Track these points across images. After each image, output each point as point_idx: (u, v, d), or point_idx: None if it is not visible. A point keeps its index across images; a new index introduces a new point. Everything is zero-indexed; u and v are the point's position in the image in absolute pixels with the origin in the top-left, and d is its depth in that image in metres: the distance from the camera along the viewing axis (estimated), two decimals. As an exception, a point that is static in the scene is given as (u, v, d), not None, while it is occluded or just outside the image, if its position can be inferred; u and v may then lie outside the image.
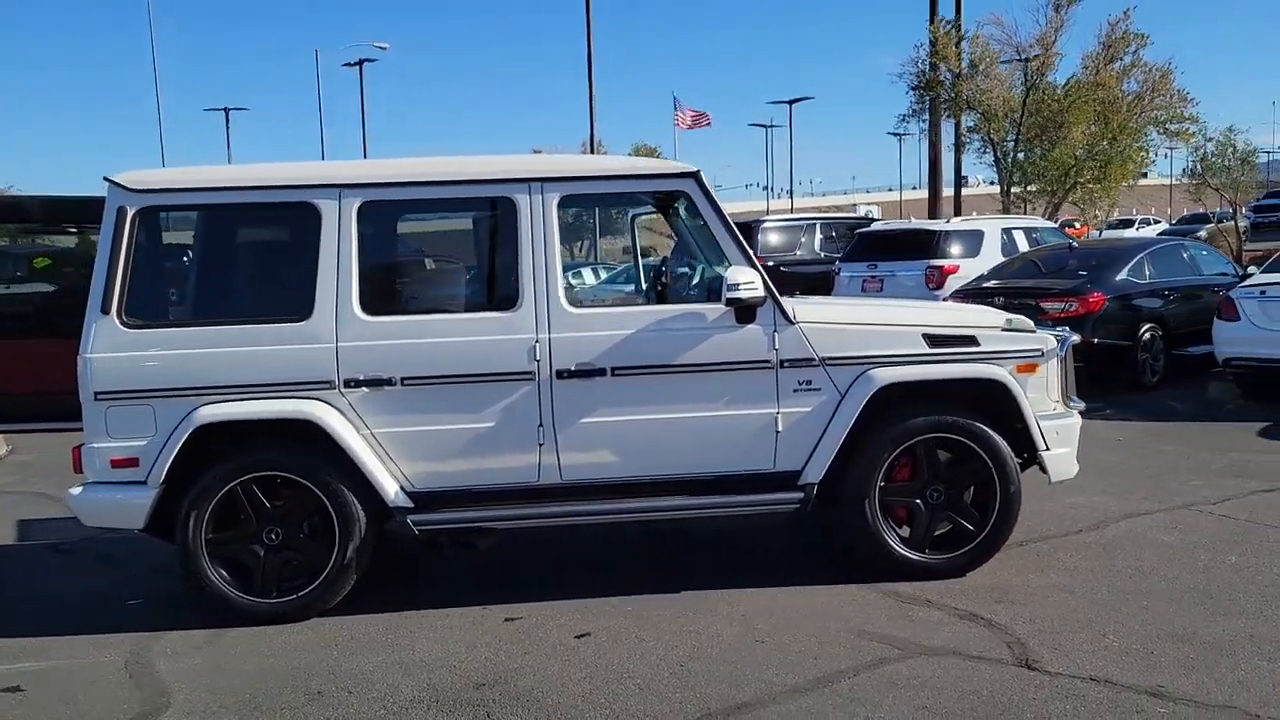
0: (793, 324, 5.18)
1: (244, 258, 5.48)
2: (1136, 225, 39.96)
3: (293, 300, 5.05)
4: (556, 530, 5.82)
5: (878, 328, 5.32)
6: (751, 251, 5.22)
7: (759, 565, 5.67)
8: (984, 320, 5.55)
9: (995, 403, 5.31)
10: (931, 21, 22.88)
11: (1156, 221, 45.65)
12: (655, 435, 5.15)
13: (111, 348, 4.93)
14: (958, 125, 23.78)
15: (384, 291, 5.20)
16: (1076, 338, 5.78)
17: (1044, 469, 5.41)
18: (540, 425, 5.09)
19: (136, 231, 4.98)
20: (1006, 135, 22.94)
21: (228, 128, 56.65)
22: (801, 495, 5.18)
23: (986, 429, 5.25)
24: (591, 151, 33.50)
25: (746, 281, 5.03)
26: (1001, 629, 4.60)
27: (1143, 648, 4.33)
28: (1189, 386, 11.38)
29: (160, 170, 5.44)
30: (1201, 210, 43.42)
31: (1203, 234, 30.55)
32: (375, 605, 5.16)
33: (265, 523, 5.03)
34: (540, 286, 5.08)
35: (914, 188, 76.55)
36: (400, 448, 5.04)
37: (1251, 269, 13.27)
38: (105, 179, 5.08)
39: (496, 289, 5.22)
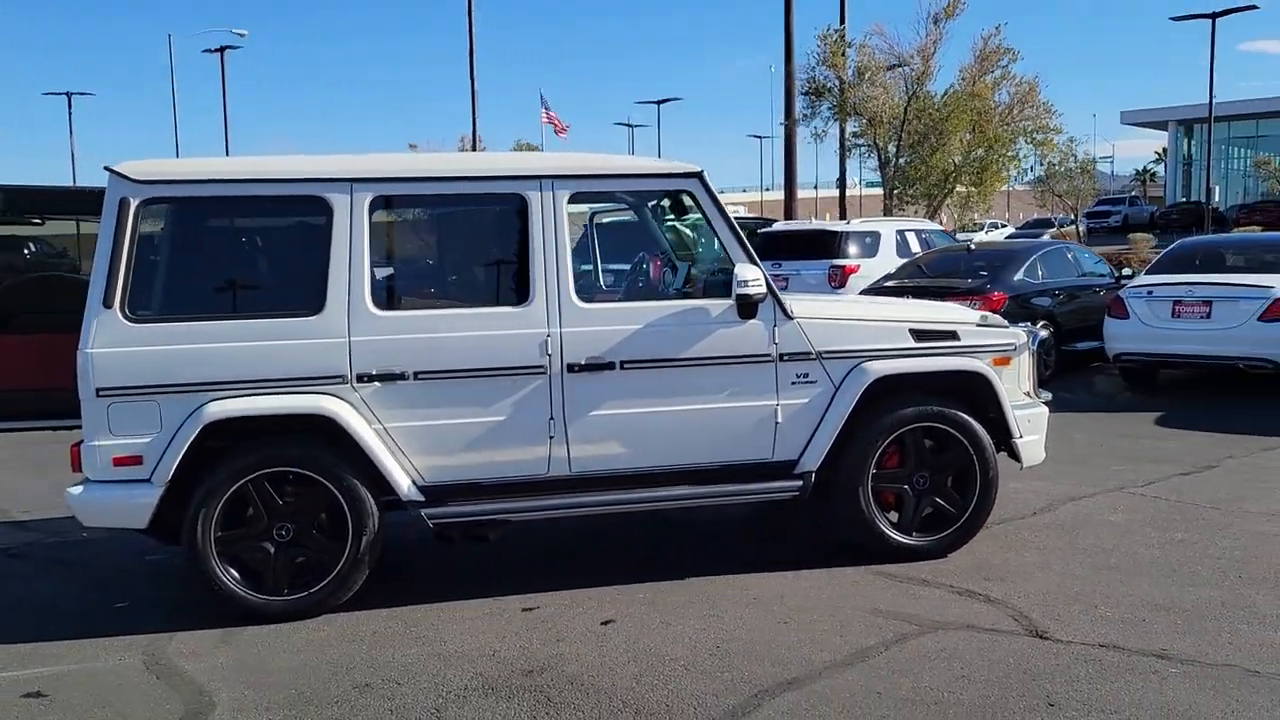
0: (791, 319, 5.40)
1: (252, 251, 5.37)
2: (986, 229, 41.95)
3: (304, 295, 5.01)
4: (550, 521, 5.89)
5: (869, 323, 5.60)
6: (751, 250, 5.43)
7: (750, 554, 5.87)
8: (963, 317, 5.90)
9: (975, 393, 5.66)
10: (786, 25, 23.43)
11: (1003, 225, 48.00)
12: (661, 427, 5.30)
13: (114, 342, 4.79)
14: (842, 130, 24.68)
15: (396, 286, 5.20)
16: (1045, 333, 6.19)
17: (1015, 455, 5.79)
18: (551, 418, 5.18)
19: (139, 224, 4.85)
20: (889, 141, 23.94)
21: (70, 113, 53.79)
22: (801, 483, 5.42)
23: (968, 418, 5.59)
24: (474, 148, 33.26)
25: (754, 278, 5.23)
26: (1001, 604, 4.93)
27: (1134, 616, 4.72)
28: (1077, 380, 12.17)
29: (165, 160, 5.26)
30: (1044, 215, 46.08)
31: (1046, 237, 32.50)
32: (383, 600, 5.15)
33: (276, 519, 4.96)
34: (552, 281, 5.16)
35: (768, 189, 78.52)
36: (412, 441, 5.05)
37: (1127, 270, 14.26)
38: (106, 169, 4.93)
39: (508, 284, 5.27)
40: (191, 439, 4.78)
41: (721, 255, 5.41)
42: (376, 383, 5.00)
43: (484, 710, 3.96)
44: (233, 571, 4.91)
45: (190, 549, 4.86)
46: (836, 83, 23.25)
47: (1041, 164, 32.95)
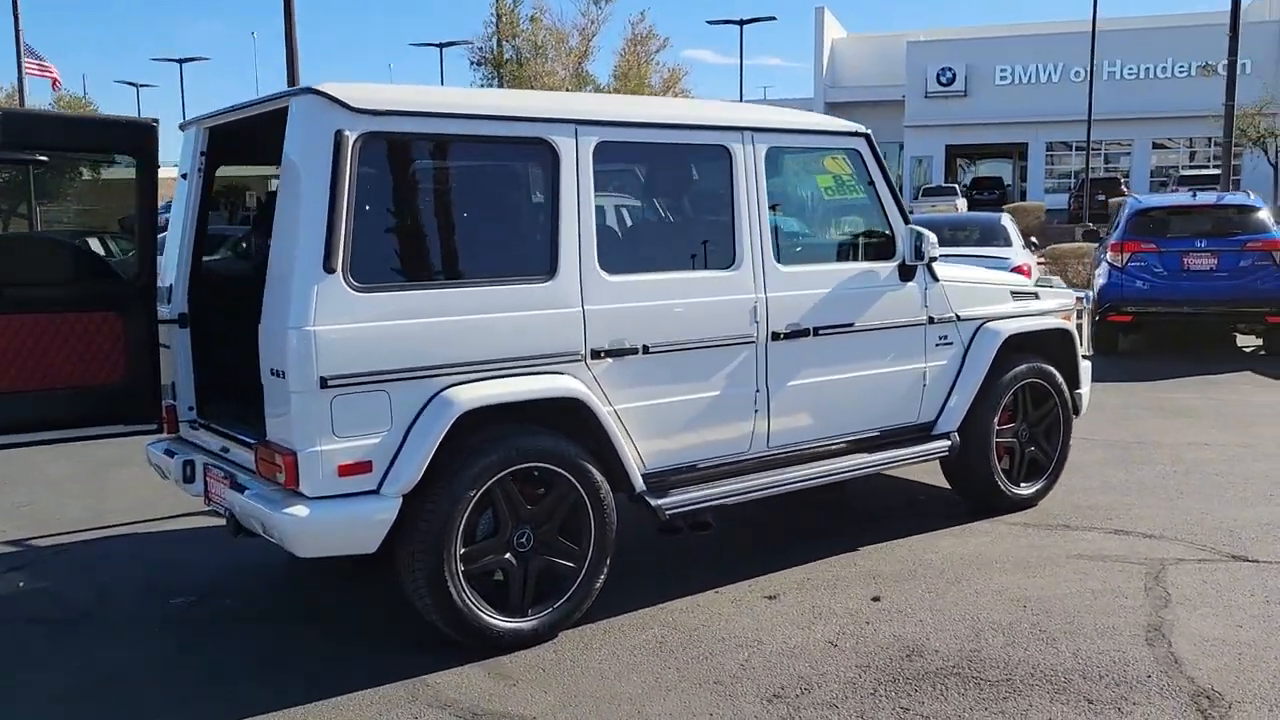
0: (937, 282, 5.46)
1: (478, 203, 4.36)
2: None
3: (535, 256, 4.24)
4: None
5: (988, 286, 5.80)
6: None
7: (871, 519, 5.86)
8: (1031, 281, 6.29)
9: (1059, 349, 6.06)
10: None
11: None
12: (841, 395, 5.14)
13: (340, 317, 3.75)
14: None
15: (619, 247, 4.53)
16: (1091, 293, 6.73)
17: (1076, 406, 6.29)
18: (757, 391, 4.83)
19: (360, 164, 3.81)
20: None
21: None
22: (949, 444, 5.50)
23: (1056, 372, 5.99)
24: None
25: (933, 240, 5.23)
26: (1157, 537, 5.38)
27: (1249, 532, 5.39)
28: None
29: (379, 86, 4.08)
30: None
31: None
32: (602, 607, 4.51)
33: (519, 525, 4.17)
34: (756, 243, 4.80)
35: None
36: (638, 424, 4.48)
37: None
38: (310, 90, 3.82)
39: (717, 245, 4.79)
40: (442, 435, 3.87)
41: (880, 217, 5.32)
42: (609, 359, 4.36)
43: (933, 698, 3.68)
44: (472, 594, 4.05)
45: (426, 573, 3.93)
46: (513, 55, 22.97)
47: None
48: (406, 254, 4.05)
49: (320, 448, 3.75)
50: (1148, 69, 45.02)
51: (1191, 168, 41.22)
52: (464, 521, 3.98)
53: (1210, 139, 43.30)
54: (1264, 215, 11.47)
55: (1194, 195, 12.89)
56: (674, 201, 4.76)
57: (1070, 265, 17.52)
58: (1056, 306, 6.11)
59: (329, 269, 3.73)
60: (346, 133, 3.77)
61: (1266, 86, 35.86)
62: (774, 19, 40.23)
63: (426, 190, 4.24)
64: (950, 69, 47.03)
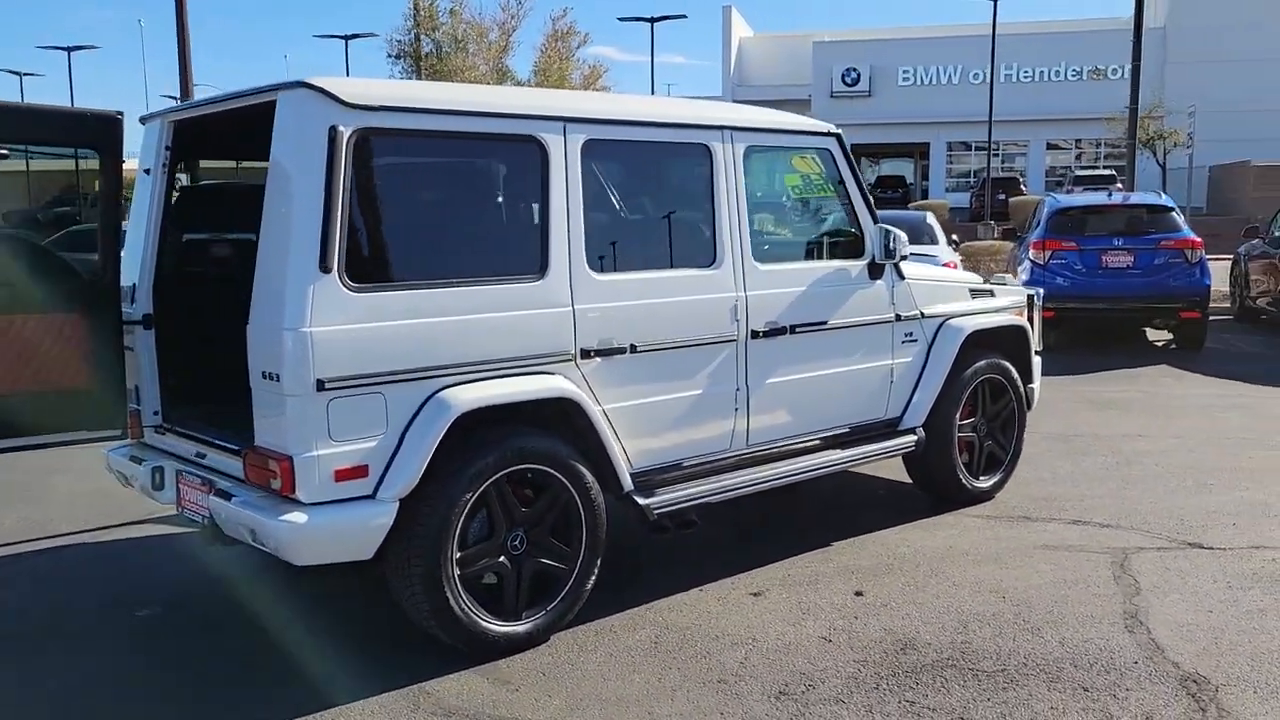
0: (903, 279, 5.55)
1: (468, 200, 4.25)
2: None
3: (526, 254, 4.19)
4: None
5: (948, 284, 5.92)
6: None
7: (846, 514, 5.93)
8: (968, 278, 6.43)
9: (1014, 346, 6.21)
10: None
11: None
12: (816, 392, 5.19)
13: (336, 318, 3.65)
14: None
15: (605, 244, 4.48)
16: (1042, 290, 6.89)
17: (1029, 400, 6.45)
18: (738, 389, 4.85)
19: (354, 161, 3.71)
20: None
21: None
22: (915, 439, 5.60)
23: (1012, 368, 6.14)
24: None
25: (904, 239, 5.31)
26: (1114, 527, 5.56)
27: (1197, 520, 5.61)
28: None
29: (369, 81, 3.94)
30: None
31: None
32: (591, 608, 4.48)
33: (513, 528, 4.11)
34: (736, 241, 4.81)
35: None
36: (625, 424, 4.45)
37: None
38: (302, 84, 3.70)
39: (699, 244, 4.79)
40: (440, 437, 3.80)
41: (851, 215, 5.38)
42: (598, 358, 4.33)
43: (935, 691, 3.73)
44: (468, 599, 3.98)
45: (423, 578, 3.85)
46: (433, 47, 22.61)
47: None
48: (401, 253, 3.96)
49: (317, 452, 3.64)
50: (1042, 72, 46.46)
51: (1083, 168, 42.66)
52: (460, 525, 3.91)
53: (1100, 140, 44.99)
54: (1176, 215, 11.94)
55: (1109, 195, 13.37)
56: (657, 200, 4.75)
57: (983, 262, 17.97)
58: (1010, 304, 6.26)
59: (324, 269, 3.62)
60: (340, 129, 3.67)
61: (1155, 91, 37.27)
62: (684, 17, 40.58)
63: (419, 188, 4.16)
64: (855, 69, 47.88)
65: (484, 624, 4.01)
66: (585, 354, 4.28)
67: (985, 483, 6.07)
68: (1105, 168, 40.53)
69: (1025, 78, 46.45)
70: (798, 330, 5.03)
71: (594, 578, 4.35)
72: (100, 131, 4.30)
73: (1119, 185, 26.01)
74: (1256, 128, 41.09)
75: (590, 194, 4.36)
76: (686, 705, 3.68)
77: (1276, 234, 13.50)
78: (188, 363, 4.65)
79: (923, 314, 5.66)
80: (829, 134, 5.31)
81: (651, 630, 4.33)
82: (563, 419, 4.22)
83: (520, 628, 4.12)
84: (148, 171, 4.62)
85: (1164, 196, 12.63)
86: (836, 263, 5.30)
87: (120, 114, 4.37)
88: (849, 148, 5.36)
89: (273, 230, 3.72)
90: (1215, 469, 6.72)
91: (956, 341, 5.74)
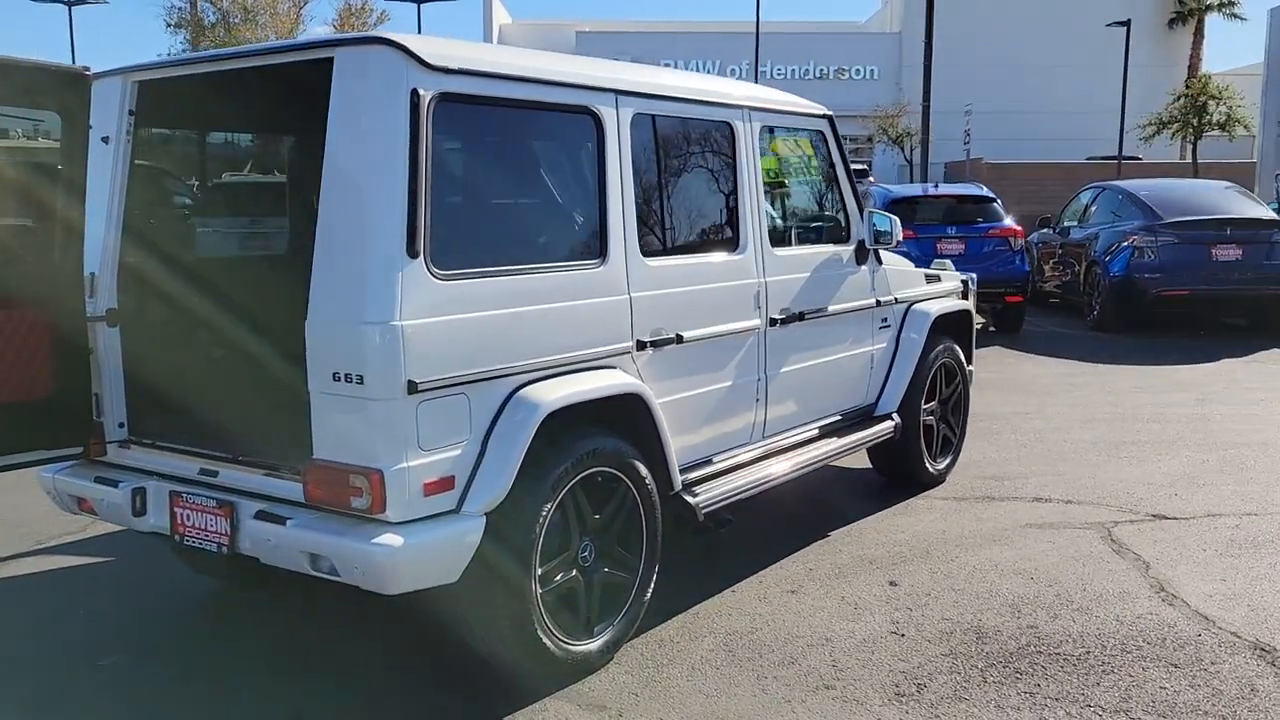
0: (881, 265, 5.51)
1: (537, 177, 3.76)
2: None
3: (588, 238, 3.83)
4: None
5: (911, 270, 5.92)
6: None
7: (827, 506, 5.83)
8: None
9: (958, 329, 6.30)
10: None
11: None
12: (818, 380, 5.08)
13: (426, 310, 3.17)
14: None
15: (651, 228, 4.14)
16: (975, 275, 6.99)
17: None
18: (758, 379, 4.65)
19: (437, 129, 3.22)
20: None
21: None
22: (894, 424, 5.57)
23: (960, 350, 6.23)
24: None
25: (895, 222, 5.26)
26: (1077, 503, 5.75)
27: (1140, 491, 5.91)
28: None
29: (439, 39, 3.34)
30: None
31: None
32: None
33: (584, 537, 3.73)
34: (756, 224, 4.61)
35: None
36: (672, 420, 4.15)
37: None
38: (380, 40, 3.17)
39: (725, 228, 4.52)
40: (529, 441, 3.38)
41: (840, 199, 5.27)
42: (650, 350, 4.02)
43: (1045, 679, 3.67)
44: (549, 618, 3.58)
45: (503, 601, 3.43)
46: (220, 17, 20.72)
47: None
48: (481, 236, 3.50)
49: (408, 464, 3.15)
50: (794, 70, 48.54)
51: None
52: (543, 537, 3.51)
53: (847, 138, 47.48)
54: (998, 205, 12.67)
55: (935, 186, 14.00)
56: (689, 182, 4.44)
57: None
58: (953, 288, 6.37)
59: (412, 253, 3.13)
60: (422, 92, 3.19)
61: (903, 91, 39.76)
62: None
63: (490, 163, 3.69)
64: (618, 60, 48.29)
65: (565, 645, 3.63)
66: (640, 345, 3.96)
67: (941, 465, 6.15)
68: (859, 163, 42.87)
69: (779, 75, 48.37)
70: (806, 317, 4.88)
71: (652, 587, 4.03)
72: (64, 91, 3.57)
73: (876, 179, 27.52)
74: (983, 128, 44.64)
75: (638, 173, 4.04)
76: (810, 718, 3.46)
77: (1065, 225, 14.62)
78: (159, 365, 3.96)
79: (896, 299, 5.66)
80: (823, 115, 5.19)
81: (713, 638, 4.07)
82: (622, 417, 3.88)
83: (592, 646, 3.76)
84: (106, 140, 3.89)
85: (984, 188, 13.37)
86: (832, 247, 5.18)
87: (87, 69, 3.65)
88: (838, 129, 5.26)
89: (342, 210, 3.18)
90: (1118, 443, 7.11)
91: (925, 326, 5.76)
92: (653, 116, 4.12)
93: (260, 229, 5.11)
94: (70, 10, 36.07)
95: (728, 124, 4.51)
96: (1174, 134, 33.05)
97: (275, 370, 3.95)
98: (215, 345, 4.24)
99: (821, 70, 47.83)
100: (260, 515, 3.38)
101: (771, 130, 4.86)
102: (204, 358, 4.19)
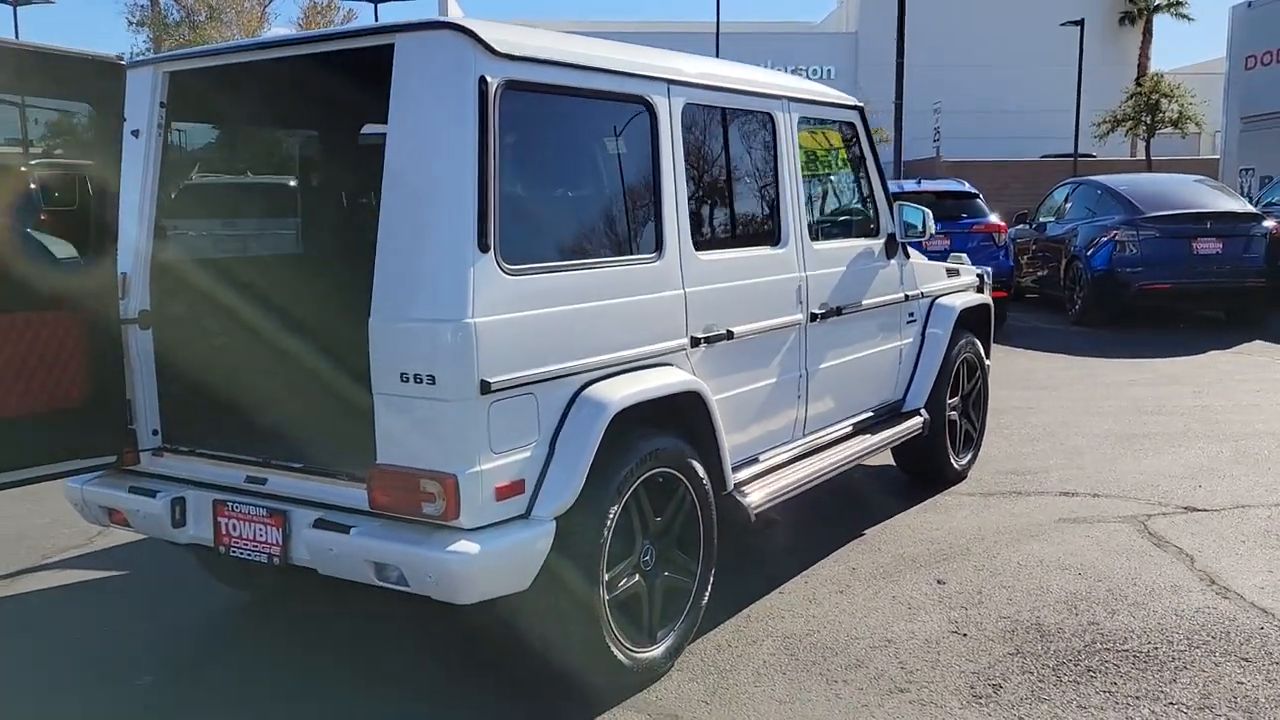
0: (908, 259, 5.44)
1: (594, 169, 3.61)
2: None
3: (646, 230, 3.71)
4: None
5: (933, 264, 5.85)
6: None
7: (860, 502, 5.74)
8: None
9: (978, 322, 6.24)
10: None
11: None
12: (854, 376, 5.01)
13: (498, 306, 3.03)
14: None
15: (701, 220, 4.03)
16: (990, 269, 6.94)
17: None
18: (800, 376, 4.55)
19: (502, 118, 3.08)
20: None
21: None
22: (922, 420, 5.50)
23: (980, 344, 6.18)
24: None
25: (928, 215, 5.19)
26: (1104, 496, 5.71)
27: (1165, 484, 5.89)
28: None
29: (505, 26, 3.18)
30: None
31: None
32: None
33: (646, 540, 3.60)
34: (797, 217, 4.51)
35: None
36: (723, 417, 4.03)
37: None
38: (447, 24, 3.02)
39: (767, 221, 4.41)
40: (599, 441, 3.25)
41: (871, 191, 5.19)
42: (704, 346, 3.90)
43: (1119, 677, 3.60)
44: (616, 626, 3.45)
45: (572, 608, 3.29)
46: (183, 17, 20.23)
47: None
48: (548, 229, 3.37)
49: (481, 468, 3.00)
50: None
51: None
52: (610, 541, 3.38)
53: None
54: (981, 201, 12.69)
55: (918, 182, 14.00)
56: (733, 174, 4.32)
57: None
58: (970, 282, 6.31)
59: (483, 247, 2.99)
60: (489, 80, 3.04)
61: (862, 90, 39.94)
62: (409, -1, 39.29)
63: (553, 153, 3.55)
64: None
65: (632, 652, 3.50)
66: (694, 342, 3.84)
67: (964, 461, 6.09)
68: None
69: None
70: (843, 312, 4.80)
71: (710, 589, 3.91)
72: (98, 82, 3.38)
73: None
74: (943, 126, 45.01)
75: (689, 165, 3.92)
76: (892, 721, 3.36)
77: (1042, 220, 14.71)
78: (195, 369, 3.78)
79: (922, 294, 5.59)
80: (855, 106, 5.10)
81: (772, 641, 3.95)
82: (678, 416, 3.76)
83: (655, 652, 3.62)
84: (136, 134, 3.70)
85: (967, 185, 13.39)
86: (864, 241, 5.10)
87: (120, 58, 3.47)
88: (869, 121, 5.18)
89: (407, 204, 3.03)
90: (1128, 436, 7.11)
91: (950, 320, 5.70)
92: (701, 107, 4.01)
93: (285, 229, 4.93)
94: (15, 10, 35.36)
95: (769, 114, 4.41)
96: (1128, 131, 33.53)
97: (321, 373, 3.80)
98: (254, 348, 4.05)
99: (779, 70, 47.92)
100: (319, 524, 3.21)
101: (808, 121, 4.76)
102: (243, 361, 4.01)
